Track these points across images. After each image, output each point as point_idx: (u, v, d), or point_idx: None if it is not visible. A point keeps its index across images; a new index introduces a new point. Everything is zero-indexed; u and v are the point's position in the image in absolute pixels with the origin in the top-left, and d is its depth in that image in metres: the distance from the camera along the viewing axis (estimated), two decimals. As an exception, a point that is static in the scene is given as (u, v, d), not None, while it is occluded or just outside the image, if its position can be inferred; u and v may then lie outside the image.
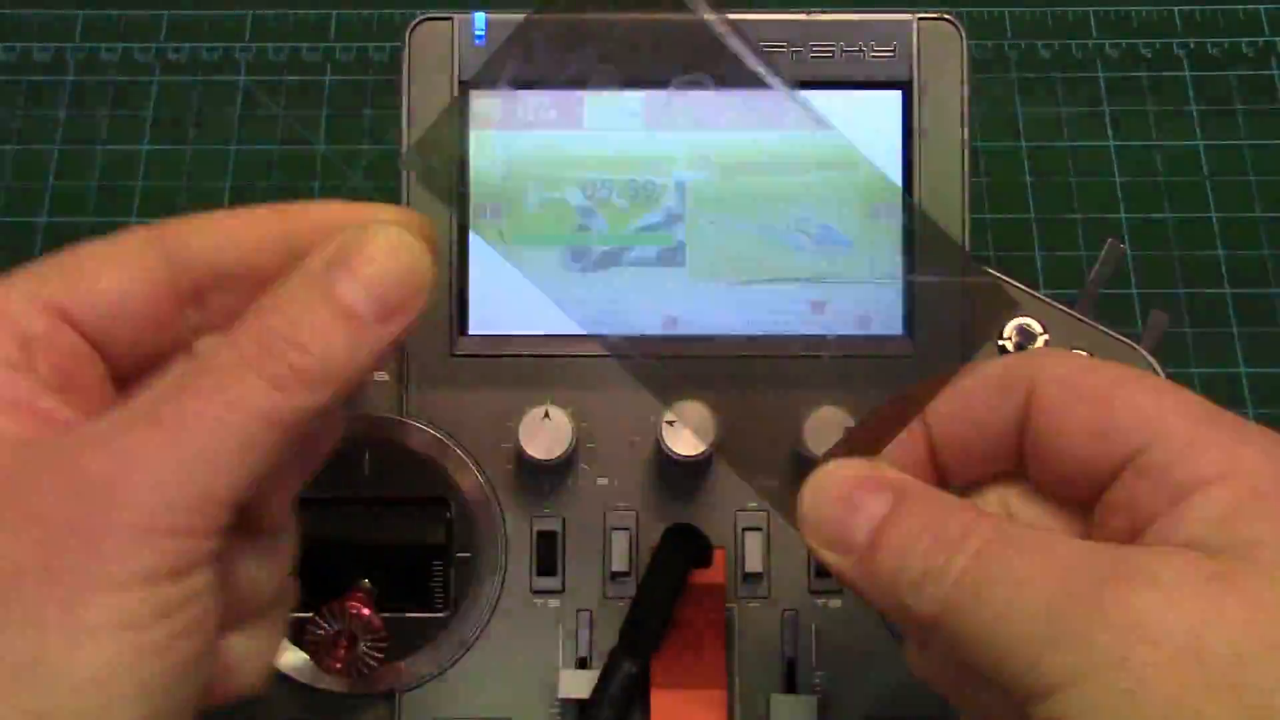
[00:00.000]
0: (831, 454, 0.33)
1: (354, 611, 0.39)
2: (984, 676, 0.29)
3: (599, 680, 0.41)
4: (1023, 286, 0.45)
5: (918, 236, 0.42)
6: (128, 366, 0.32)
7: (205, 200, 0.67)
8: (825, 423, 0.40)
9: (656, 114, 0.44)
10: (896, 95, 0.45)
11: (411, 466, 0.43)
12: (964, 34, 0.45)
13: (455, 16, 0.44)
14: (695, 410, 0.40)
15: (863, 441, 0.34)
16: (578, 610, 0.43)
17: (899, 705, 0.42)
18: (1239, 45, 0.70)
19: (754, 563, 0.43)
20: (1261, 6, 0.71)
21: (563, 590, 0.43)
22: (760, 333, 0.43)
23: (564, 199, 0.43)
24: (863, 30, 0.45)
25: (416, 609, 0.42)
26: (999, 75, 0.70)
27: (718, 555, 0.42)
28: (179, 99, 0.69)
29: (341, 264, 0.30)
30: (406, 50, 0.44)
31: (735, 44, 0.34)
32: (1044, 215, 0.66)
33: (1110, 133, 0.68)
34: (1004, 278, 0.45)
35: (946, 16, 0.45)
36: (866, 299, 0.44)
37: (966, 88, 0.44)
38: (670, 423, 0.41)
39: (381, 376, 0.44)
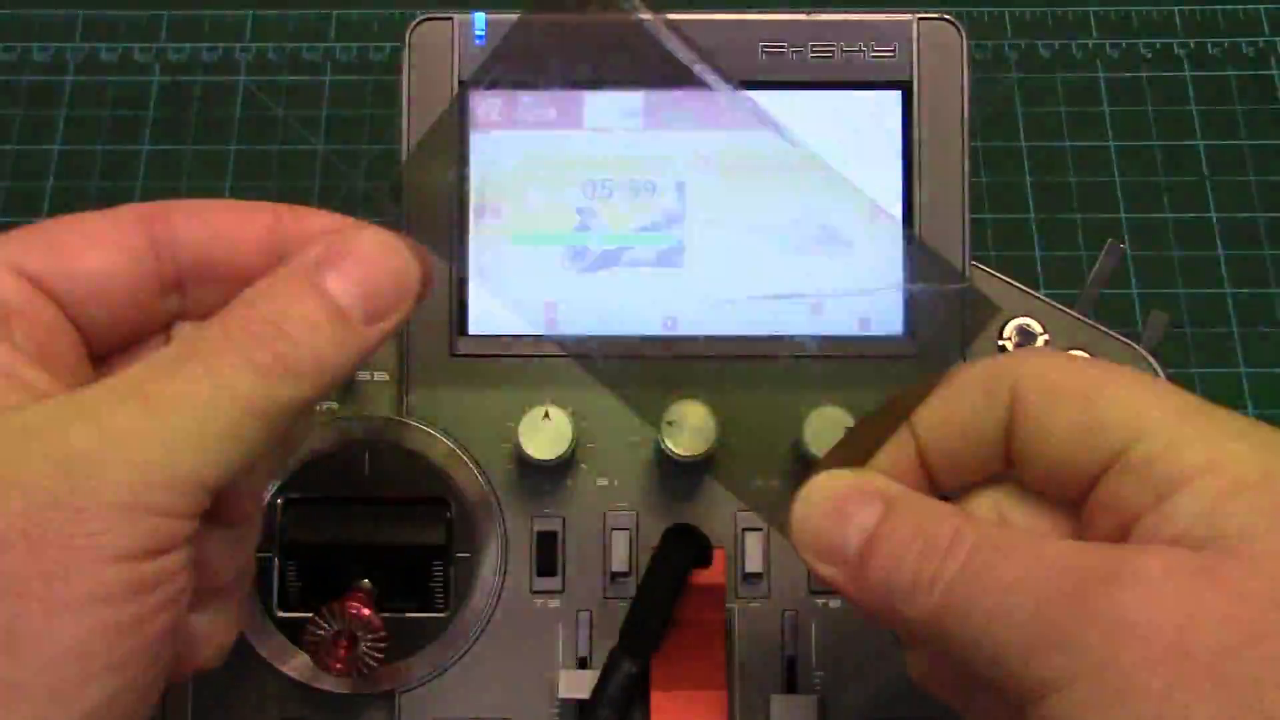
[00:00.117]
0: (821, 466, 0.33)
1: (354, 611, 0.39)
2: (980, 680, 0.29)
3: (599, 680, 0.41)
4: (1023, 286, 0.45)
5: (902, 241, 0.42)
6: (104, 344, 0.33)
7: (205, 200, 0.67)
8: (825, 423, 0.40)
9: (656, 114, 0.44)
10: (896, 95, 0.45)
11: (411, 466, 0.43)
12: (964, 34, 0.45)
13: (455, 16, 0.44)
14: (695, 411, 0.40)
15: (852, 452, 0.34)
16: (578, 610, 0.43)
17: (899, 705, 0.42)
18: (1239, 45, 0.70)
19: (754, 563, 0.43)
20: (1261, 6, 0.71)
21: (563, 590, 0.43)
22: (760, 333, 0.43)
23: (564, 199, 0.43)
24: (863, 30, 0.45)
25: (416, 609, 0.42)
26: (999, 75, 0.70)
27: (718, 555, 0.42)
28: (179, 99, 0.69)
29: (333, 261, 0.30)
30: (406, 50, 0.44)
31: (674, 45, 0.34)
32: (1044, 215, 0.66)
33: (1110, 133, 0.68)
34: (1002, 277, 0.45)
35: (946, 16, 0.45)
36: (866, 299, 0.44)
37: (966, 88, 0.44)
38: (670, 423, 0.41)
39: (381, 376, 0.44)
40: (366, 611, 0.40)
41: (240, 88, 0.70)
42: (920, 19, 0.45)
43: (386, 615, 0.40)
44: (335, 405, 0.43)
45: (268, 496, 0.34)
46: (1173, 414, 0.30)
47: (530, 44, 0.35)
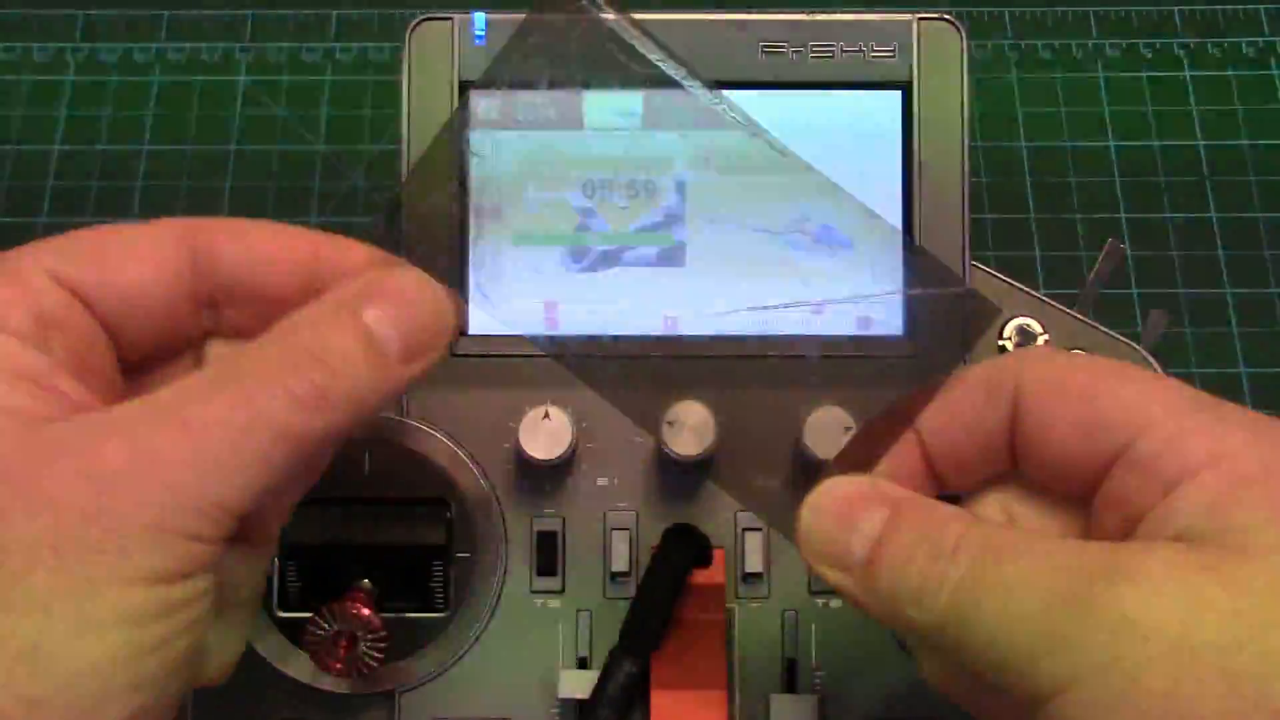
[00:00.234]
0: (827, 471, 0.33)
1: (354, 611, 0.39)
2: (990, 684, 0.29)
3: (599, 680, 0.41)
4: (1023, 286, 0.45)
5: (901, 246, 0.42)
6: (135, 356, 0.32)
7: (205, 200, 0.67)
8: (825, 423, 0.40)
9: (656, 114, 0.43)
10: (896, 95, 0.45)
11: (411, 466, 0.43)
12: (964, 34, 0.45)
13: (455, 16, 0.44)
14: (695, 410, 0.40)
15: (857, 458, 0.34)
16: (578, 610, 0.43)
17: (899, 705, 0.42)
18: (1239, 45, 0.70)
19: (754, 563, 0.43)
20: (1261, 6, 0.71)
21: (563, 590, 0.43)
22: (760, 333, 0.43)
23: (564, 199, 0.43)
24: (863, 30, 0.45)
25: (416, 609, 0.42)
26: (999, 75, 0.70)
27: (718, 555, 0.42)
28: (179, 99, 0.69)
29: (374, 297, 0.30)
30: (406, 50, 0.44)
31: (645, 46, 0.34)
32: (1044, 215, 0.66)
33: (1110, 133, 0.68)
34: (1002, 277, 0.45)
35: (946, 16, 0.45)
36: (866, 299, 0.44)
37: (966, 88, 0.44)
38: (670, 423, 0.41)
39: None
40: (366, 611, 0.40)
41: (240, 88, 0.70)
42: (920, 19, 0.45)
43: (386, 615, 0.40)
44: None
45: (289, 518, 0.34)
46: (1175, 409, 0.30)
47: (536, 45, 0.35)
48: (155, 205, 0.67)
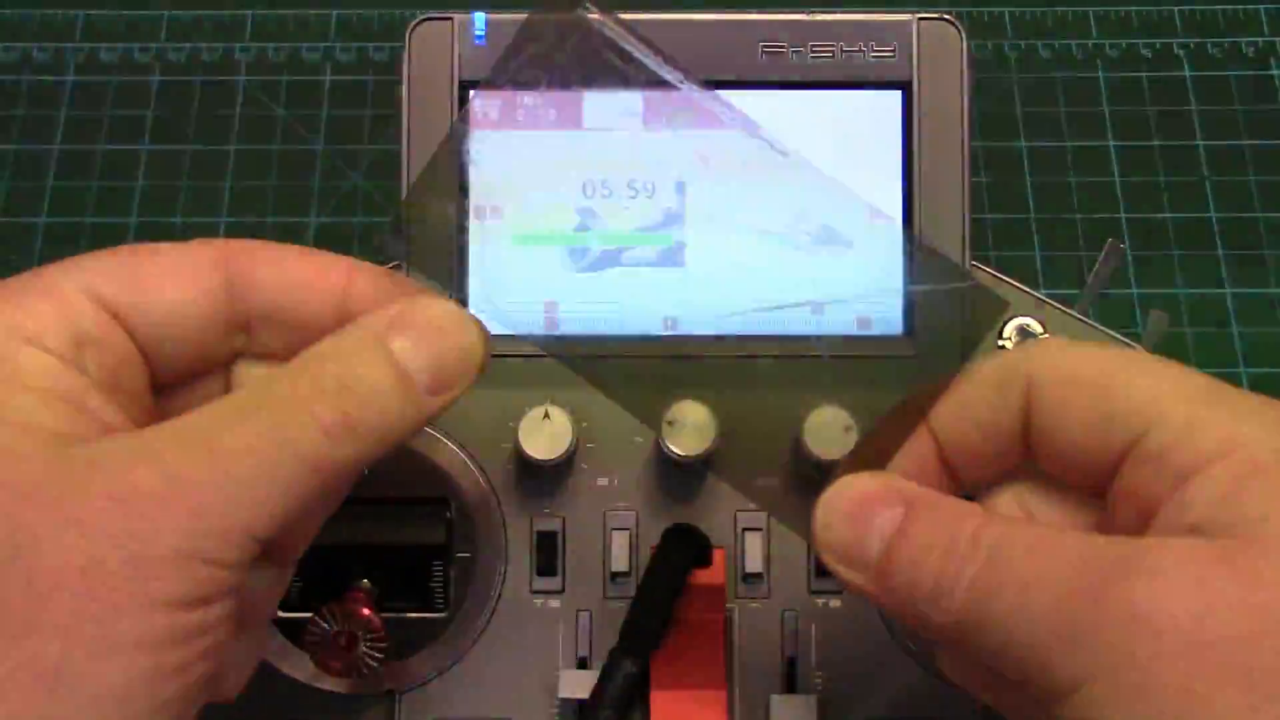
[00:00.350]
0: (841, 470, 0.33)
1: (354, 611, 0.39)
2: (1009, 681, 0.29)
3: (599, 680, 0.41)
4: (1022, 286, 0.45)
5: (902, 242, 0.42)
6: (166, 376, 0.33)
7: (205, 200, 0.67)
8: (825, 423, 0.40)
9: (656, 114, 0.43)
10: (896, 95, 0.45)
11: (411, 466, 0.43)
12: (964, 34, 0.45)
13: (455, 16, 0.44)
14: (695, 410, 0.40)
15: (870, 454, 0.33)
16: (578, 610, 0.43)
17: (899, 705, 0.42)
18: (1239, 45, 0.71)
19: (754, 563, 0.43)
20: (1261, 6, 0.71)
21: (563, 590, 0.43)
22: (760, 333, 0.43)
23: (564, 199, 0.43)
24: (863, 30, 0.45)
25: (416, 609, 0.42)
26: (999, 75, 0.70)
27: (718, 555, 0.42)
28: (179, 99, 0.69)
29: (405, 328, 0.31)
30: (406, 50, 0.44)
31: (633, 47, 0.34)
32: (1044, 215, 0.66)
33: (1110, 133, 0.68)
34: (1002, 277, 0.45)
35: (946, 16, 0.45)
36: (866, 299, 0.44)
37: (967, 88, 0.44)
38: (670, 423, 0.41)
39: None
40: (366, 611, 0.40)
41: (240, 88, 0.70)
42: (920, 19, 0.45)
43: (386, 615, 0.40)
44: None
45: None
46: (1187, 399, 0.29)
47: (537, 47, 0.35)
48: (155, 205, 0.67)
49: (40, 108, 0.69)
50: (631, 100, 0.44)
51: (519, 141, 0.44)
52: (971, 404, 0.33)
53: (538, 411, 0.42)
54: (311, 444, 0.29)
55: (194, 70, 0.70)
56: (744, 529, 0.43)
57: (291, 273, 0.33)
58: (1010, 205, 0.67)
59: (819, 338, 0.43)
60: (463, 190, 0.43)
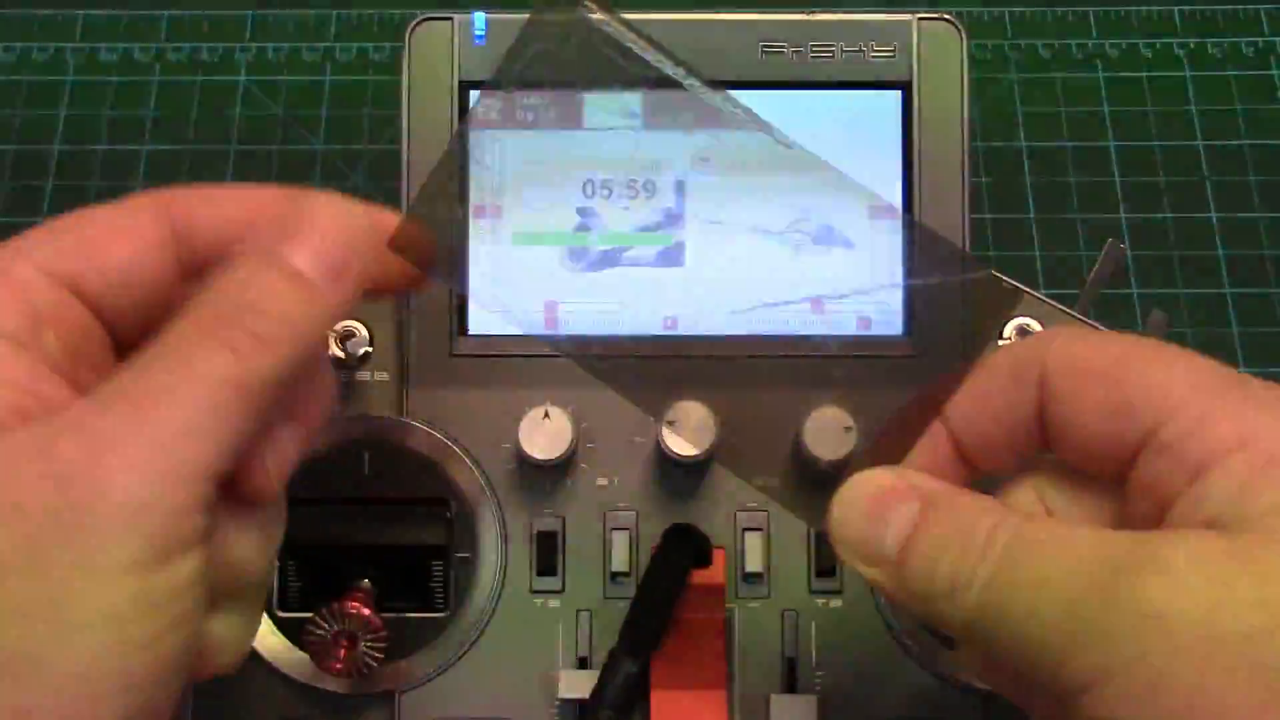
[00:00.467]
0: (857, 464, 0.32)
1: (354, 611, 0.39)
2: (1027, 678, 0.29)
3: (599, 680, 0.41)
4: (1023, 286, 0.45)
5: (907, 237, 0.42)
6: (129, 336, 0.32)
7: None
8: (825, 423, 0.40)
9: (656, 114, 0.43)
10: (896, 95, 0.45)
11: (411, 466, 0.43)
12: (964, 34, 0.45)
13: (455, 16, 0.44)
14: (695, 410, 0.40)
15: (886, 449, 0.33)
16: (578, 610, 0.43)
17: (899, 705, 0.42)
18: (1239, 45, 0.70)
19: (754, 563, 0.43)
20: (1261, 6, 0.71)
21: (563, 590, 0.43)
22: (760, 333, 0.43)
23: (564, 199, 0.43)
24: (863, 30, 0.45)
25: (416, 609, 0.42)
26: (999, 75, 0.70)
27: (718, 555, 0.42)
28: (179, 99, 0.69)
29: (289, 232, 0.31)
30: (406, 50, 0.44)
31: (637, 46, 0.34)
32: (1044, 215, 0.66)
33: (1110, 133, 0.68)
34: (1002, 277, 0.45)
35: (946, 16, 0.45)
36: (866, 299, 0.44)
37: (966, 88, 0.44)
38: (670, 423, 0.41)
39: (381, 376, 0.44)
40: (366, 611, 0.40)
41: (240, 88, 0.70)
42: (920, 19, 0.45)
43: (386, 615, 0.40)
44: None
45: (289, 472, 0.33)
46: (1202, 390, 0.29)
47: (539, 48, 0.35)
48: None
49: (40, 108, 0.69)
50: (631, 100, 0.44)
51: (519, 141, 0.44)
52: (986, 395, 0.32)
53: (538, 411, 0.42)
54: (224, 368, 0.29)
55: (194, 70, 0.70)
56: (744, 529, 0.43)
57: (232, 211, 0.33)
58: (1010, 205, 0.67)
59: (819, 338, 0.43)
60: (461, 186, 0.43)
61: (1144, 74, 0.70)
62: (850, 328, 0.44)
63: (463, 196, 0.43)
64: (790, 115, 0.44)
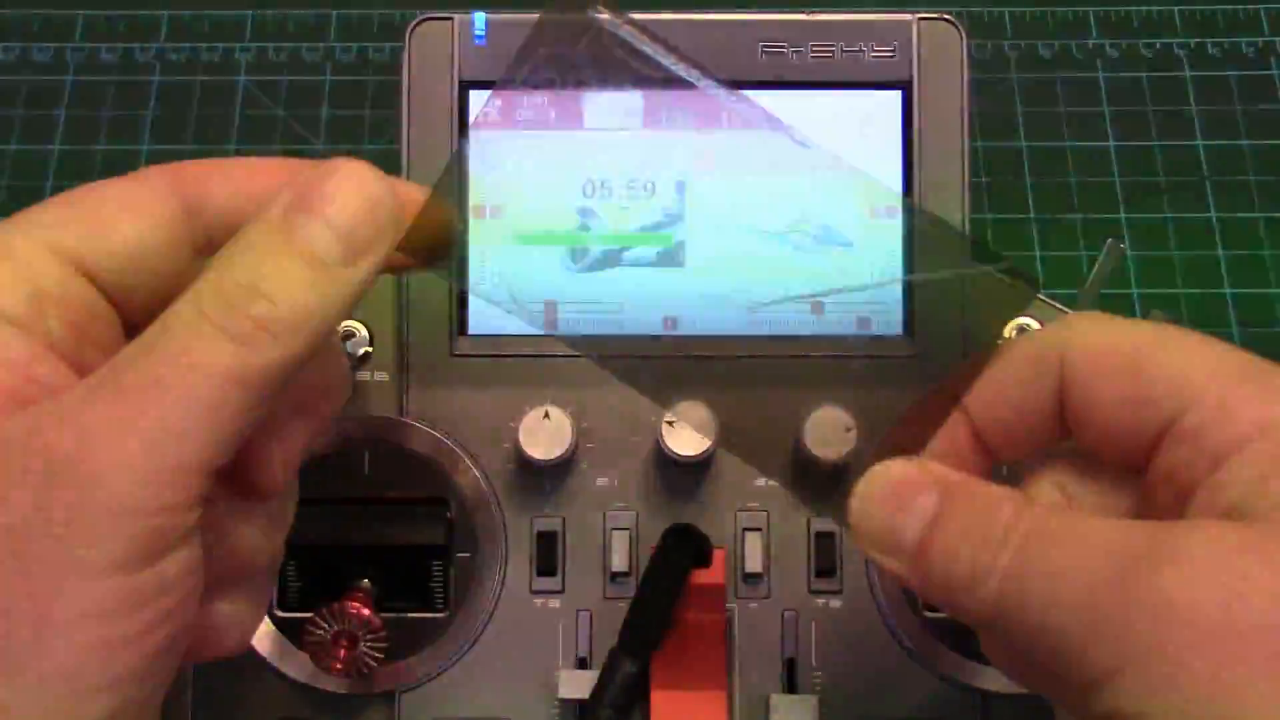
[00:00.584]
0: (876, 455, 0.32)
1: (354, 611, 0.39)
2: (1048, 671, 0.28)
3: (599, 680, 0.41)
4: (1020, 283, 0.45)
5: (918, 231, 0.42)
6: (139, 315, 0.31)
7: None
8: (825, 423, 0.40)
9: (656, 114, 0.43)
10: (896, 95, 0.45)
11: (411, 466, 0.43)
12: (964, 34, 0.45)
13: (455, 16, 0.44)
14: (695, 410, 0.40)
15: (905, 440, 0.33)
16: (578, 610, 0.43)
17: (899, 705, 0.42)
18: (1239, 45, 0.70)
19: (754, 563, 0.43)
20: (1261, 6, 0.71)
21: (563, 590, 0.43)
22: (760, 333, 0.43)
23: (564, 199, 0.43)
24: (863, 30, 0.45)
25: (416, 609, 0.42)
26: (999, 75, 0.70)
27: (718, 555, 0.42)
28: (179, 99, 0.69)
29: (301, 205, 0.28)
30: (406, 50, 0.44)
31: (648, 47, 0.34)
32: (1044, 215, 0.66)
33: (1110, 133, 0.68)
34: (1019, 270, 0.45)
35: (946, 16, 0.45)
36: (866, 300, 0.44)
37: (966, 88, 0.44)
38: (670, 423, 0.41)
39: (381, 376, 0.44)
40: (366, 611, 0.40)
41: (240, 88, 0.70)
42: (920, 19, 0.45)
43: (386, 615, 0.40)
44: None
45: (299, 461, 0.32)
46: (1223, 377, 0.29)
47: (547, 50, 0.35)
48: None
49: (40, 108, 0.69)
50: (631, 100, 0.44)
51: (519, 141, 0.44)
52: (1005, 384, 0.32)
53: (538, 411, 0.42)
54: (225, 359, 0.27)
55: (194, 70, 0.70)
56: (744, 529, 0.43)
57: (245, 184, 0.31)
58: (1010, 205, 0.67)
59: (819, 338, 0.43)
60: (461, 186, 0.43)
61: (1144, 74, 0.70)
62: (850, 328, 0.44)
63: (463, 201, 0.43)
64: (790, 115, 0.44)
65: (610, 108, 0.44)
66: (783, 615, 0.43)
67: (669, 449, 0.41)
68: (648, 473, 0.44)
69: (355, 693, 0.42)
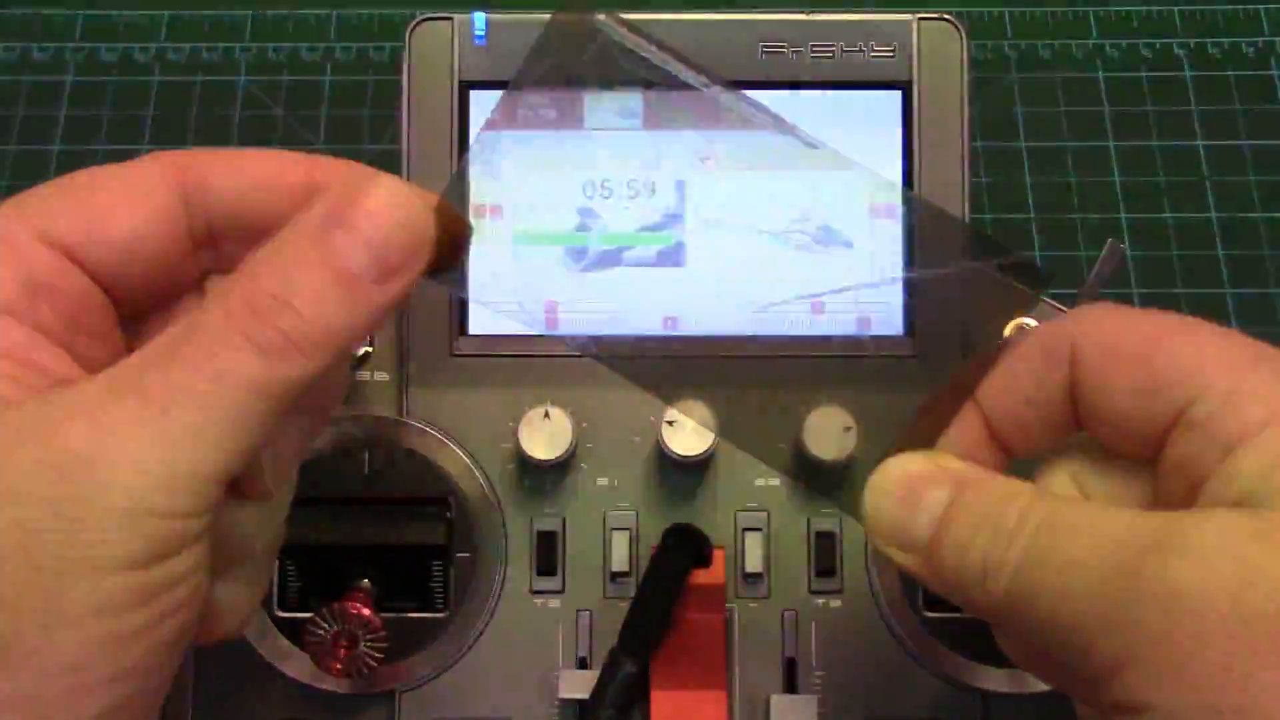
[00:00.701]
0: (890, 449, 0.32)
1: (354, 611, 0.39)
2: (1060, 663, 0.28)
3: (599, 680, 0.41)
4: (1023, 286, 0.45)
5: (919, 224, 0.42)
6: (135, 307, 0.31)
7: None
8: (825, 423, 0.40)
9: (656, 114, 0.44)
10: (896, 95, 0.45)
11: (411, 466, 0.43)
12: (964, 34, 0.45)
13: (455, 16, 0.44)
14: (695, 410, 0.40)
15: (919, 434, 0.33)
16: (578, 610, 0.43)
17: (899, 705, 0.42)
18: (1239, 45, 0.70)
19: (754, 563, 0.43)
20: (1261, 6, 0.71)
21: (563, 590, 0.43)
22: (760, 333, 0.43)
23: (564, 199, 0.43)
24: (863, 30, 0.45)
25: (416, 609, 0.42)
26: (999, 75, 0.70)
27: (718, 555, 0.42)
28: (179, 99, 0.69)
29: (338, 219, 0.28)
30: (406, 50, 0.44)
31: (652, 54, 0.34)
32: (1044, 215, 0.66)
33: (1110, 133, 0.68)
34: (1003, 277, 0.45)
35: (946, 16, 0.45)
36: (866, 300, 0.44)
37: (966, 88, 0.44)
38: (670, 423, 0.41)
39: (381, 376, 0.44)
40: (366, 611, 0.40)
41: (240, 88, 0.69)
42: (920, 19, 0.45)
43: (386, 615, 0.40)
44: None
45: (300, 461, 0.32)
46: (1233, 366, 0.29)
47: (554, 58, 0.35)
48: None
49: (40, 108, 0.69)
50: (631, 100, 0.44)
51: (519, 141, 0.44)
52: (1017, 376, 0.32)
53: (538, 411, 0.42)
54: (253, 369, 0.27)
55: (194, 70, 0.70)
56: (744, 529, 0.43)
57: (248, 176, 0.31)
58: (1010, 205, 0.67)
59: (819, 338, 0.43)
60: (461, 186, 0.43)
61: (1144, 74, 0.70)
62: (850, 328, 0.44)
63: (465, 210, 0.43)
64: (790, 115, 0.44)
65: (610, 108, 0.44)
66: (783, 615, 0.43)
67: (669, 449, 0.41)
68: (648, 473, 0.44)
69: (355, 693, 0.42)
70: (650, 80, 0.34)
